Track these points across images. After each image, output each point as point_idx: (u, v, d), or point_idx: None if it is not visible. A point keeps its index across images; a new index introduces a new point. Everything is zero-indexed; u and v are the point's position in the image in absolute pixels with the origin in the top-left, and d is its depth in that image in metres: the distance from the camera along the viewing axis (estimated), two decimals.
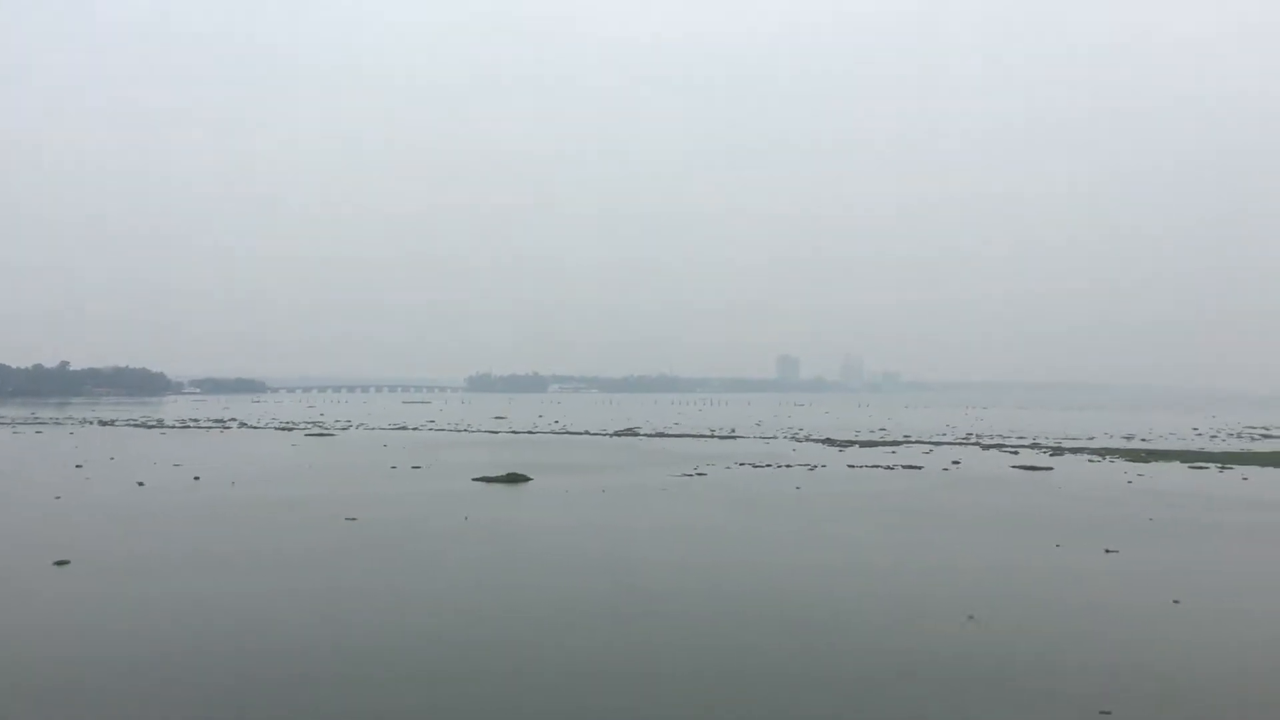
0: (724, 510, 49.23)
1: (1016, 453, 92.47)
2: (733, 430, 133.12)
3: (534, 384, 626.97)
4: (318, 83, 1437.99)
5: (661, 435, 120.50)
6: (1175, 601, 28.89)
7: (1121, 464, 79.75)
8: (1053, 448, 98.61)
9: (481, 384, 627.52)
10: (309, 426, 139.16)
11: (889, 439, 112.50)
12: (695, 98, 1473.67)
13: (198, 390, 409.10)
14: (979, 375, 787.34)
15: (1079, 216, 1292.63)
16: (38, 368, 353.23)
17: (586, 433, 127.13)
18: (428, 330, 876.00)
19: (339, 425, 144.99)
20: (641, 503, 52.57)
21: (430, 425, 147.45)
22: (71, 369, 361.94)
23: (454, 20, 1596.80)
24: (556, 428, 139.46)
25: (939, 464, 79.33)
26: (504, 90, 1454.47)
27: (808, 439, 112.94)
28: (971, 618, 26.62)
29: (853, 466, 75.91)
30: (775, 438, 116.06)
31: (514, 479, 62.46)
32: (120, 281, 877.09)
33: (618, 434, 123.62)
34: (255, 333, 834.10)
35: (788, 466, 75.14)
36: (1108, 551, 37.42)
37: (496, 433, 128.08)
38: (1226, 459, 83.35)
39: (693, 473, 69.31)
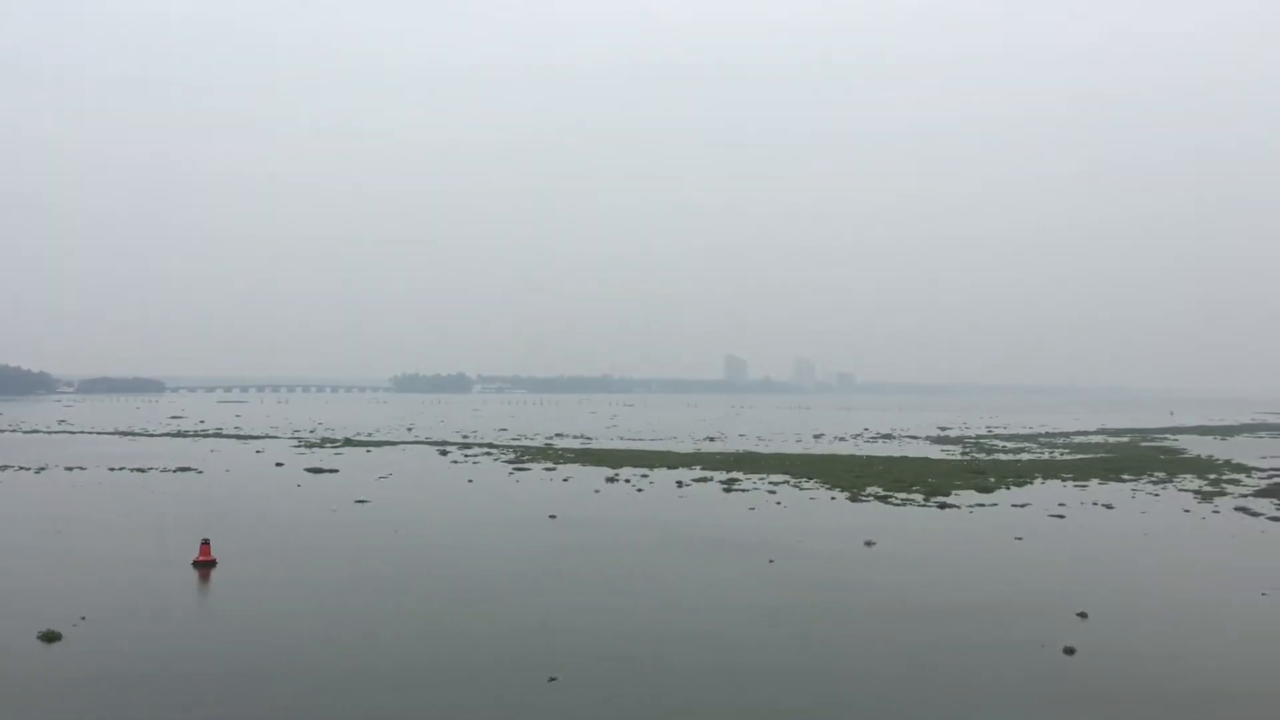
0: None
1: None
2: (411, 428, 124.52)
3: (459, 384, 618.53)
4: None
5: (256, 435, 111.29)
6: None
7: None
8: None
9: (408, 384, 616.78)
10: None
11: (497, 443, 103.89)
12: (659, 87, 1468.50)
13: (72, 389, 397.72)
14: (945, 378, 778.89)
15: (1051, 214, 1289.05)
16: None
17: (198, 434, 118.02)
18: (363, 329, 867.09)
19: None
20: None
21: (58, 428, 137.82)
22: None
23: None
24: (226, 430, 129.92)
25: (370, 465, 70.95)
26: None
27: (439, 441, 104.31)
28: None
29: (229, 473, 67.14)
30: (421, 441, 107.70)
31: None
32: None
33: (197, 434, 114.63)
34: (194, 329, 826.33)
35: (146, 471, 66.34)
36: None
37: (75, 432, 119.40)
38: (688, 460, 74.15)
39: None
